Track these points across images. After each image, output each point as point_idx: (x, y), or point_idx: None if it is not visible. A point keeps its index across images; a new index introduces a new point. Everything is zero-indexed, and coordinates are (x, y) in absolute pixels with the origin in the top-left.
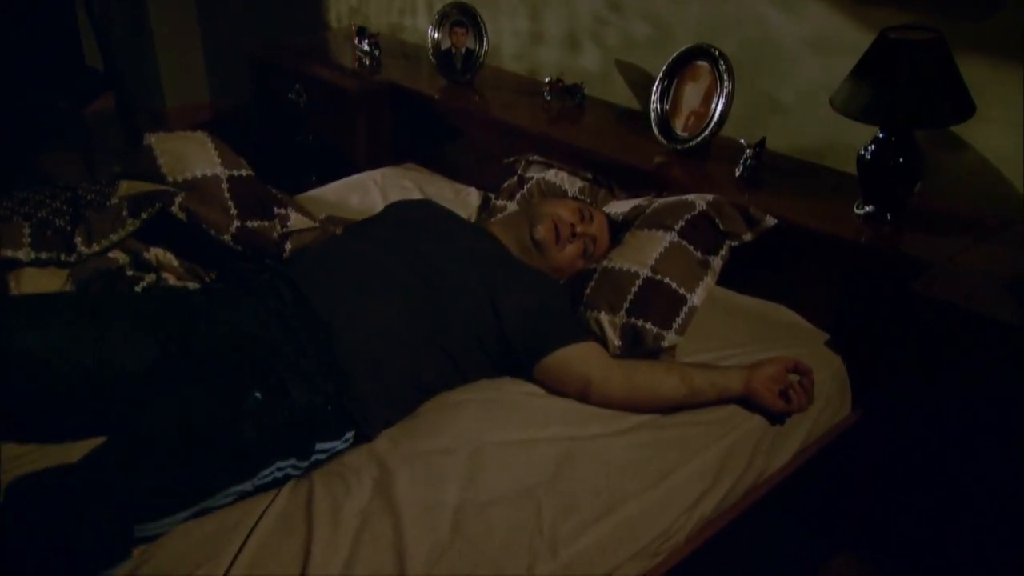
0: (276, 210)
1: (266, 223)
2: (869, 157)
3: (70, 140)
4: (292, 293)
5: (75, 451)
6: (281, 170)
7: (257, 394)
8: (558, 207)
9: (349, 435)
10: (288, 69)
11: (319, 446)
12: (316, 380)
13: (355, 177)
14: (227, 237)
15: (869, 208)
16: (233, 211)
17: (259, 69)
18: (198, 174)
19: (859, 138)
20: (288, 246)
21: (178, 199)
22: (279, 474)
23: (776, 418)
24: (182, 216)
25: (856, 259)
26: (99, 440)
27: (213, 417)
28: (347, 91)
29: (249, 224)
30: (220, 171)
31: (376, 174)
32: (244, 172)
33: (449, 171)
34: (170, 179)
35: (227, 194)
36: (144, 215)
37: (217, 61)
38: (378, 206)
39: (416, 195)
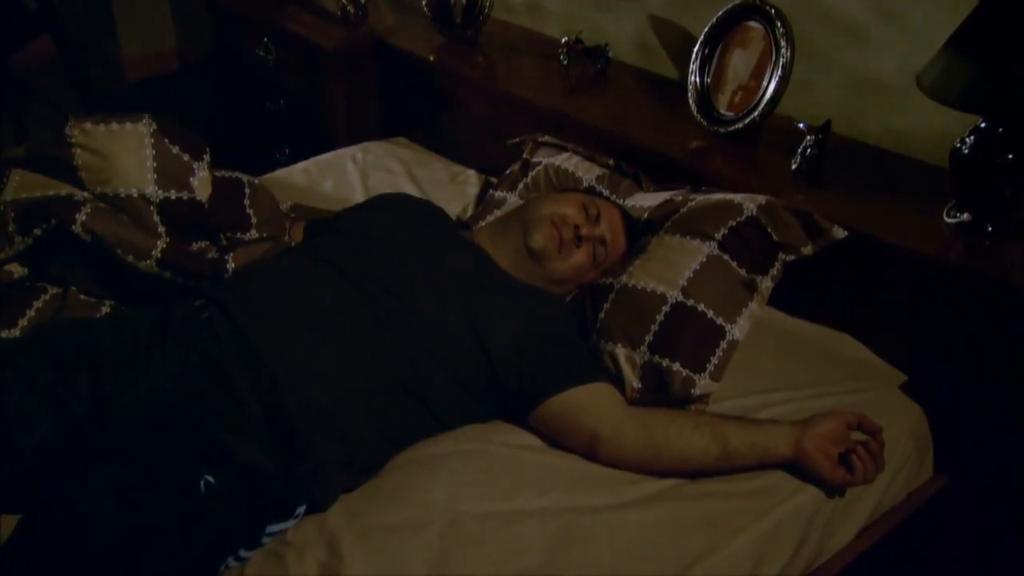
0: (230, 234)
1: (205, 243)
2: (967, 151)
3: None
4: (230, 329)
5: None
6: (246, 142)
7: (208, 477)
8: (558, 204)
9: (300, 510)
10: (256, 19)
11: (269, 528)
12: (262, 443)
13: (332, 154)
14: (149, 262)
15: (963, 216)
16: (162, 231)
17: (221, 17)
18: (122, 193)
19: (954, 124)
20: (231, 264)
21: (81, 216)
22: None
23: (834, 489)
24: (86, 237)
25: (944, 281)
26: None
27: (159, 525)
28: (325, 49)
29: (183, 247)
30: (152, 192)
31: (357, 150)
32: (186, 195)
33: (446, 148)
34: (88, 188)
35: (156, 217)
36: (37, 231)
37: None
38: (356, 193)
39: (403, 178)
